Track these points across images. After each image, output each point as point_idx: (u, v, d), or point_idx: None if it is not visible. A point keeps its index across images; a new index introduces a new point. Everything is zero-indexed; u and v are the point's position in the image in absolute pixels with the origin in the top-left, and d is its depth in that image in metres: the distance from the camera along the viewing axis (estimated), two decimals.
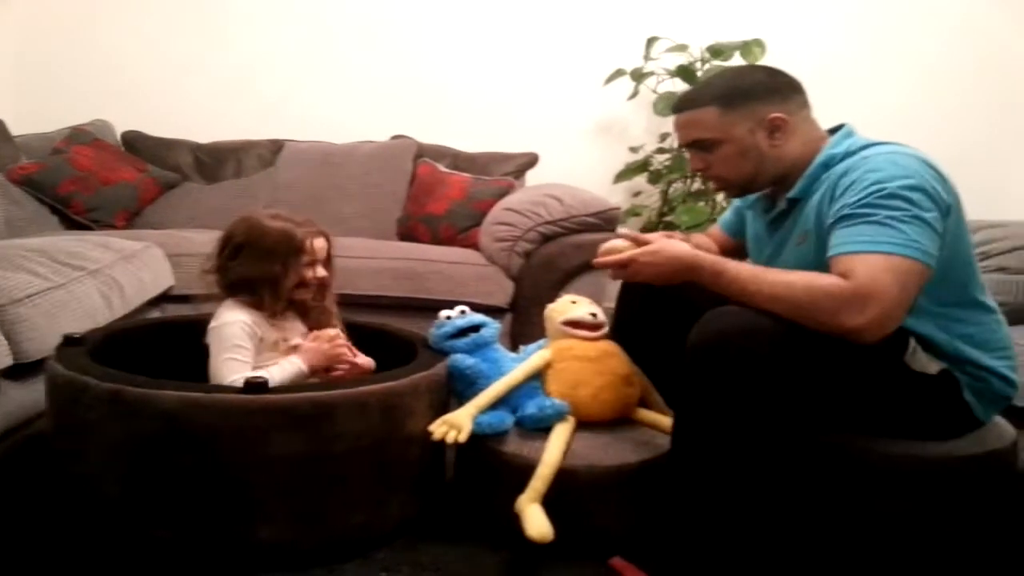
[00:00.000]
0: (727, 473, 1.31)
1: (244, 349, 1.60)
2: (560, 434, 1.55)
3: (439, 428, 1.52)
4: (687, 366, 1.32)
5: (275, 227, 1.63)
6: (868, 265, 1.25)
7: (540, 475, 1.48)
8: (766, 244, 1.59)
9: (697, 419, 1.34)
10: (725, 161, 1.49)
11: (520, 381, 1.63)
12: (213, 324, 1.64)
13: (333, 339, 1.64)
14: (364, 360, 1.73)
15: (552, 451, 1.51)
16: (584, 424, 1.62)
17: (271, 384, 1.46)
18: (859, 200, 1.31)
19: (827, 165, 1.42)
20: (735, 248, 1.79)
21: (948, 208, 1.32)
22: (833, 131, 1.51)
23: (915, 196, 1.28)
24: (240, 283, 1.64)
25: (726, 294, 1.38)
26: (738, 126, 1.46)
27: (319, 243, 1.66)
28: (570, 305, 1.74)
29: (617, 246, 1.56)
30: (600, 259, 1.57)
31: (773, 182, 1.52)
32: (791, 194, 1.47)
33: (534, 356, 1.67)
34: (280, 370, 1.58)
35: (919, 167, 1.32)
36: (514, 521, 1.45)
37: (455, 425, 1.52)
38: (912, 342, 1.38)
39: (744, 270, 1.38)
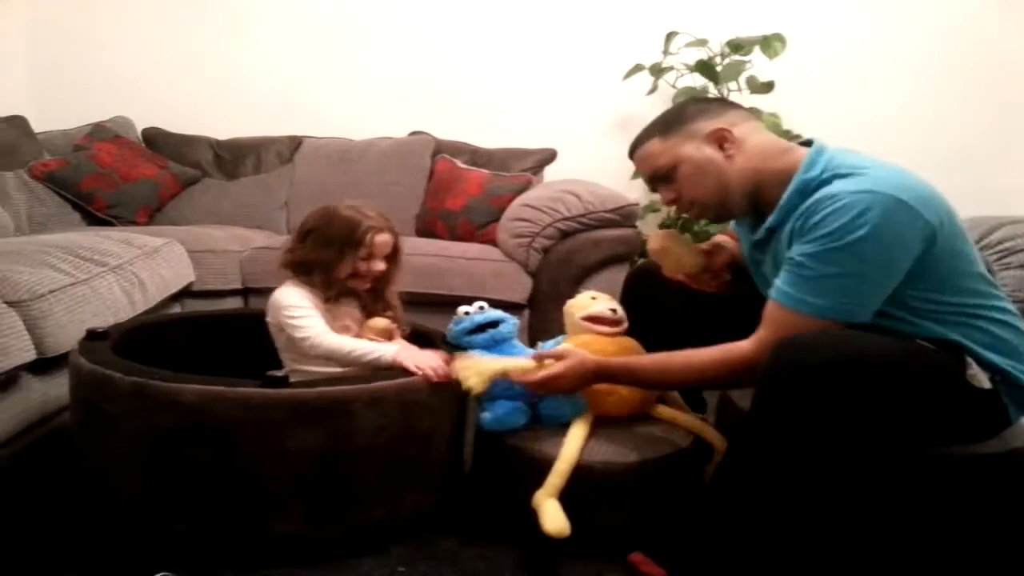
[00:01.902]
0: (786, 489, 1.29)
1: (304, 307, 1.65)
2: (578, 430, 1.56)
3: (464, 370, 1.54)
4: (759, 395, 1.31)
5: (343, 216, 1.69)
6: (779, 324, 1.33)
7: (557, 471, 1.48)
8: (759, 262, 1.57)
9: (767, 442, 1.31)
10: (688, 181, 1.49)
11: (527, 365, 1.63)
12: (271, 300, 1.71)
13: (441, 367, 1.58)
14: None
15: (570, 447, 1.51)
16: (602, 420, 1.62)
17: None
18: (805, 251, 1.32)
19: (802, 193, 1.38)
20: None
21: (932, 233, 1.30)
22: (805, 144, 1.47)
23: (862, 247, 1.27)
24: (299, 264, 1.70)
25: (646, 388, 1.61)
26: (683, 146, 1.48)
27: (380, 238, 1.70)
28: (590, 301, 1.74)
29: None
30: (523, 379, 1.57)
31: (748, 199, 1.49)
32: (767, 224, 1.46)
33: (554, 349, 1.67)
34: (362, 344, 1.63)
35: (882, 204, 1.27)
36: (531, 516, 1.45)
37: (478, 371, 1.53)
38: (969, 360, 1.36)
39: (650, 366, 1.51)
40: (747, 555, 1.32)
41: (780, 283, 1.36)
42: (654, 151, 1.52)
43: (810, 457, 1.26)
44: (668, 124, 1.52)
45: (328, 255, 1.67)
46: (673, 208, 1.57)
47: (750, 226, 1.57)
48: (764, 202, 1.47)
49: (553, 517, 1.43)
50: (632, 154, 1.58)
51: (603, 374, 1.53)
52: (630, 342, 1.70)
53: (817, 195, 1.34)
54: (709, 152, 1.47)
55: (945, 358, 1.34)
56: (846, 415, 1.24)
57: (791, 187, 1.41)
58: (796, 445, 1.26)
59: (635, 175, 3.27)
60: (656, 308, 1.75)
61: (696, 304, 1.71)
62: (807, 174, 1.39)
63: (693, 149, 1.48)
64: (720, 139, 1.46)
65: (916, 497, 1.41)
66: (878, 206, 1.27)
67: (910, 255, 1.30)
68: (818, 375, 1.23)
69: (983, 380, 1.37)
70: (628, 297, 1.83)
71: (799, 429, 1.25)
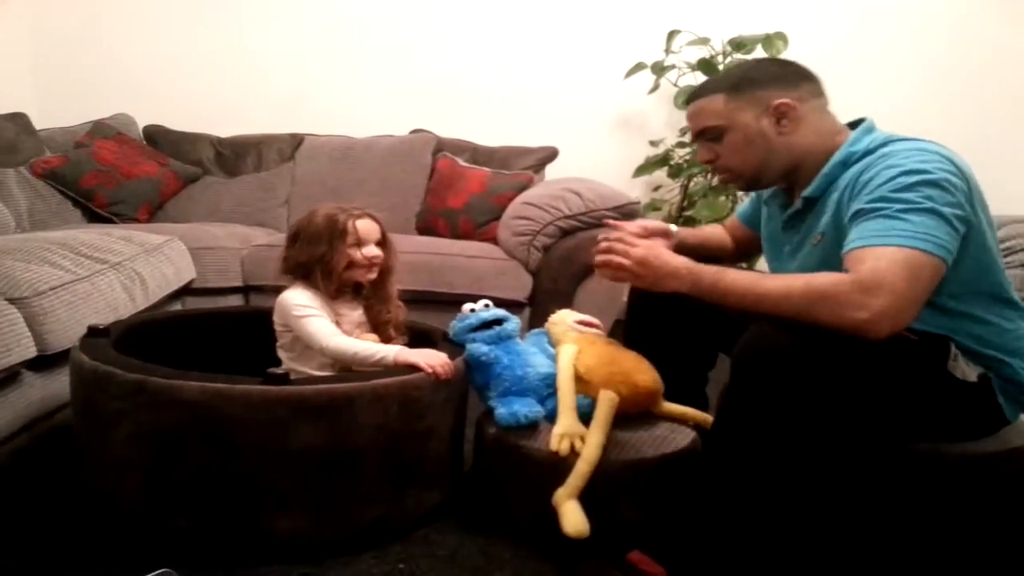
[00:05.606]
0: (765, 482, 1.29)
1: (311, 307, 1.68)
2: (597, 429, 1.52)
3: (562, 443, 1.49)
4: (731, 380, 1.30)
5: (323, 212, 1.74)
6: (876, 257, 1.22)
7: (578, 471, 1.46)
8: (782, 244, 1.57)
9: (740, 432, 1.31)
10: (732, 149, 1.48)
11: (571, 379, 1.60)
12: (278, 301, 1.73)
13: (447, 363, 1.59)
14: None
15: (590, 448, 1.48)
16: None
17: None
18: (874, 196, 1.29)
19: (845, 163, 1.40)
20: (752, 240, 1.78)
21: (971, 203, 1.30)
22: (853, 125, 1.48)
23: (931, 190, 1.25)
24: (297, 267, 1.74)
25: (725, 304, 1.37)
26: (744, 112, 1.45)
27: (362, 224, 1.74)
28: (568, 314, 1.80)
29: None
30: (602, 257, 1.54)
31: (784, 174, 1.49)
32: (807, 193, 1.45)
33: (565, 352, 1.65)
34: (367, 346, 1.64)
35: (939, 161, 1.28)
36: (552, 515, 1.44)
37: (575, 433, 1.51)
38: (954, 349, 1.35)
39: (741, 279, 1.35)
40: (741, 553, 1.32)
41: (855, 234, 1.28)
42: (714, 109, 1.48)
43: (782, 440, 1.26)
44: (740, 83, 1.47)
45: (320, 250, 1.70)
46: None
47: (780, 203, 1.58)
48: (800, 176, 1.47)
49: (573, 519, 1.42)
50: (691, 100, 1.54)
51: (693, 274, 1.41)
52: (612, 340, 1.74)
53: (868, 159, 1.35)
54: (765, 125, 1.45)
55: (926, 347, 1.32)
56: (817, 398, 1.24)
57: (834, 158, 1.42)
58: (768, 429, 1.26)
59: (646, 170, 3.31)
60: (664, 311, 1.72)
61: (706, 307, 1.70)
62: (853, 147, 1.41)
63: (751, 118, 1.45)
64: (782, 113, 1.44)
65: (913, 496, 1.40)
66: (944, 163, 1.29)
67: (964, 209, 1.28)
68: (788, 356, 1.23)
69: (968, 372, 1.37)
70: (635, 299, 1.81)
71: (770, 412, 1.25)
